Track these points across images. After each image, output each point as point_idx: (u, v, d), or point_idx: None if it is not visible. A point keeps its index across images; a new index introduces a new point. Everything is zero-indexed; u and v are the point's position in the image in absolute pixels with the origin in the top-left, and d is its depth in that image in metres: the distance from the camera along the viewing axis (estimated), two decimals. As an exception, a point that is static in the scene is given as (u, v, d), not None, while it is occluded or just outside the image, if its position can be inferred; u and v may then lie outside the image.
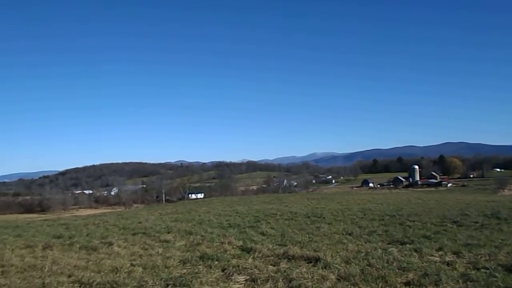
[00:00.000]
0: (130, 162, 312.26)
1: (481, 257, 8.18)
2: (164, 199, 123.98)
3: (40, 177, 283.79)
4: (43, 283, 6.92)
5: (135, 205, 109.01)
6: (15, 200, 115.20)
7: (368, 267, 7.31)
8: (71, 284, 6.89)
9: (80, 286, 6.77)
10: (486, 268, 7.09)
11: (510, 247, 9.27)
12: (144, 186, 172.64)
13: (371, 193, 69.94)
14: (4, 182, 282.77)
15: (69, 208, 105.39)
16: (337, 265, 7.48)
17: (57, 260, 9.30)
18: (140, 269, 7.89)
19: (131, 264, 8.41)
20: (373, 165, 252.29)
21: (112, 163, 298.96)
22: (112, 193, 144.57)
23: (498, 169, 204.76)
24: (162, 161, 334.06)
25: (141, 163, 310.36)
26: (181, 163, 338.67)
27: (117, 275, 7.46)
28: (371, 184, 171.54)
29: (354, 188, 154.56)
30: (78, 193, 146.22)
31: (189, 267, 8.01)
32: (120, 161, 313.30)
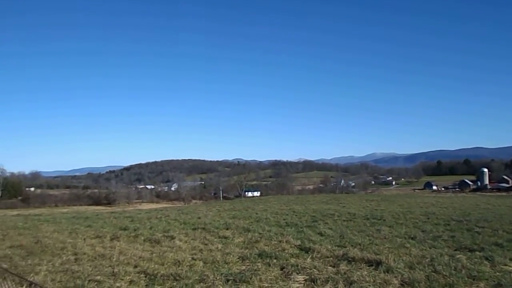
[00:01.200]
0: (189, 159, 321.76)
1: (562, 269, 7.49)
2: (221, 196, 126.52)
3: (106, 172, 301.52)
4: (113, 271, 7.33)
5: (194, 201, 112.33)
6: (84, 192, 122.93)
7: (434, 274, 6.95)
8: (137, 274, 7.23)
9: (145, 277, 7.08)
10: None
11: None
12: (203, 182, 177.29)
13: (434, 196, 66.70)
14: (75, 175, 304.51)
15: (133, 202, 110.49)
16: (400, 270, 7.19)
17: (123, 250, 9.82)
18: (201, 263, 8.11)
19: (192, 258, 8.68)
20: (437, 167, 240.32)
21: (173, 160, 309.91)
22: (172, 188, 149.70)
23: None
24: (220, 159, 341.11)
25: (200, 160, 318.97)
26: (238, 161, 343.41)
27: (179, 268, 7.73)
28: (434, 187, 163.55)
29: (416, 190, 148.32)
30: (141, 188, 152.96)
31: (248, 263, 8.10)
32: (180, 158, 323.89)
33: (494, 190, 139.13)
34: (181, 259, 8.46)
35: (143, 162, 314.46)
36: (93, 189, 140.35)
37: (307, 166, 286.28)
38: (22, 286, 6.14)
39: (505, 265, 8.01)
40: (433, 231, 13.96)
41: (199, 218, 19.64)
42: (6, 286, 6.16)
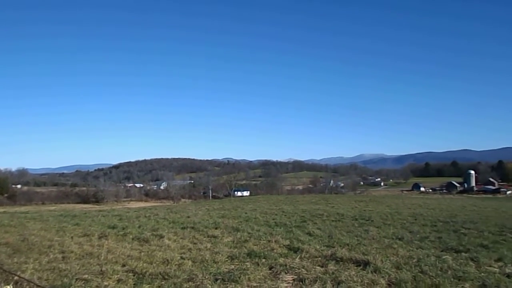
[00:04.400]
0: (179, 158, 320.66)
1: (546, 270, 7.64)
2: (211, 195, 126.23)
3: (95, 170, 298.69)
4: (101, 270, 7.28)
5: (183, 200, 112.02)
6: (72, 190, 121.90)
7: (420, 274, 7.04)
8: (125, 273, 7.19)
9: (134, 276, 7.04)
10: (552, 283, 6.61)
11: None
12: (192, 181, 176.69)
13: (422, 197, 67.47)
14: (63, 173, 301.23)
15: (121, 200, 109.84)
16: (387, 270, 7.26)
17: (112, 249, 9.75)
18: (190, 263, 8.10)
19: (181, 257, 8.66)
20: (425, 168, 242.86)
21: (162, 158, 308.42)
22: (162, 187, 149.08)
23: None
24: (210, 158, 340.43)
25: (189, 159, 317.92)
26: (228, 161, 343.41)
27: (168, 267, 7.71)
28: (422, 188, 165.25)
29: (404, 191, 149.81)
30: (130, 186, 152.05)
31: (236, 263, 8.11)
32: (169, 157, 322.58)
33: (481, 192, 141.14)
34: (169, 258, 8.44)
35: (132, 160, 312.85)
36: (81, 187, 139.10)
37: (297, 166, 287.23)
38: (9, 284, 6.08)
39: (490, 266, 8.15)
40: (420, 232, 14.15)
41: (188, 217, 19.60)
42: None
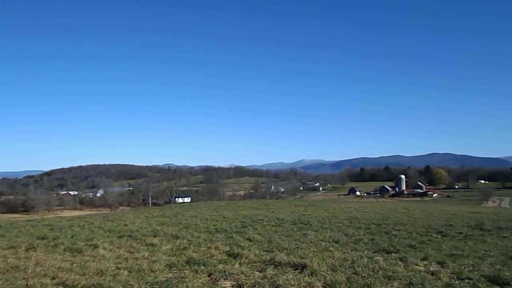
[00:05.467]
0: (117, 164, 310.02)
1: (464, 267, 8.28)
2: (150, 202, 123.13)
3: (24, 177, 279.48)
4: (27, 284, 6.80)
5: (121, 207, 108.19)
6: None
7: (354, 275, 7.34)
8: (55, 286, 6.79)
9: (64, 288, 6.68)
10: (470, 279, 7.18)
11: (493, 258, 9.41)
12: (131, 188, 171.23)
13: (357, 201, 70.39)
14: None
15: (54, 209, 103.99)
16: (323, 273, 7.49)
17: (40, 261, 9.16)
18: (126, 273, 7.81)
19: (117, 267, 8.32)
20: (361, 173, 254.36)
21: (99, 165, 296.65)
22: (98, 194, 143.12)
23: (483, 181, 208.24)
24: (150, 164, 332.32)
25: (128, 165, 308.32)
26: (169, 167, 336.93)
27: (102, 278, 7.38)
28: (358, 193, 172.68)
29: (341, 196, 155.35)
30: (63, 194, 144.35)
31: (175, 271, 7.95)
32: (107, 163, 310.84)
33: (410, 196, 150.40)
34: (104, 269, 8.08)
35: (66, 166, 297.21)
36: (8, 195, 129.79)
37: (239, 172, 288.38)
38: None
39: (416, 265, 8.69)
40: (355, 234, 14.74)
41: (126, 225, 18.89)
42: None
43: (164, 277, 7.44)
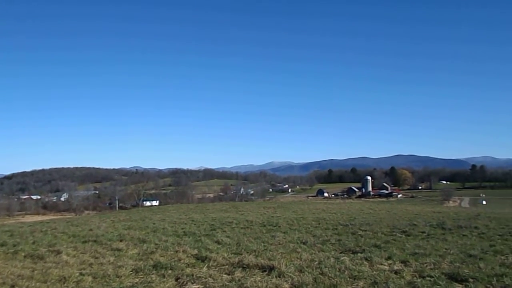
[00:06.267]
0: (82, 167, 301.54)
1: (426, 265, 8.57)
2: (117, 206, 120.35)
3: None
4: (-17, 294, 6.53)
5: (87, 211, 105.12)
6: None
7: (320, 276, 7.45)
8: (14, 295, 6.54)
9: (24, 297, 6.44)
10: (431, 276, 7.43)
11: (453, 256, 9.80)
12: (97, 192, 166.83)
13: (325, 202, 71.39)
14: None
15: (15, 214, 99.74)
16: (291, 274, 7.56)
17: (-1, 269, 8.79)
18: (90, 279, 7.60)
19: (80, 274, 8.09)
20: (328, 175, 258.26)
21: (63, 168, 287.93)
22: (62, 198, 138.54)
23: (445, 182, 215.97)
24: (117, 167, 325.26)
25: (94, 168, 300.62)
26: (137, 169, 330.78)
27: (65, 285, 7.17)
28: (326, 194, 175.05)
29: (310, 197, 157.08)
30: (25, 198, 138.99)
31: (141, 276, 7.81)
32: (71, 166, 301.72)
33: (376, 196, 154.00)
34: (67, 275, 7.83)
35: (28, 170, 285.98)
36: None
37: (208, 174, 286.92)
38: None
39: (381, 264, 8.91)
40: (323, 235, 14.96)
41: (91, 230, 18.42)
42: None
43: (130, 282, 7.30)
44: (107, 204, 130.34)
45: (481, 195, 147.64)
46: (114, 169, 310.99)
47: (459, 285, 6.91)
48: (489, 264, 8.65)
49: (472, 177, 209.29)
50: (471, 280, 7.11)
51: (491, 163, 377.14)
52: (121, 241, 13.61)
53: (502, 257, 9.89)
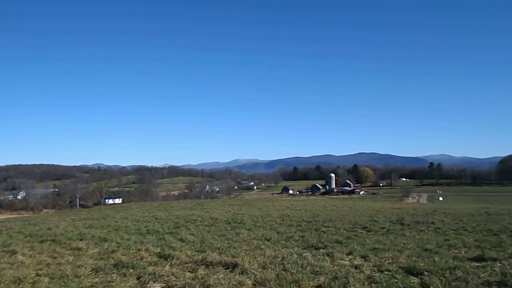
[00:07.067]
0: (41, 164, 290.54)
1: (385, 260, 8.86)
2: (78, 204, 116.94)
3: None
4: None
5: (45, 210, 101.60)
6: None
7: (283, 272, 7.54)
8: (-36, 298, 6.24)
9: (-25, 300, 6.15)
10: (389, 271, 7.68)
11: (411, 251, 10.18)
12: (56, 190, 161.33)
13: (290, 199, 72.08)
14: None
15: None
16: (254, 271, 7.61)
17: None
18: (47, 279, 7.35)
19: (37, 274, 7.81)
20: (293, 172, 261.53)
21: (21, 165, 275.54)
22: (19, 197, 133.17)
23: (404, 179, 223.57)
24: (78, 164, 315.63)
25: (54, 165, 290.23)
26: (99, 167, 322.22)
27: (20, 286, 6.91)
28: (290, 191, 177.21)
29: (275, 194, 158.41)
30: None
31: (101, 275, 7.63)
32: (29, 163, 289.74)
33: (339, 193, 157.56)
34: (22, 276, 7.53)
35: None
36: None
37: (173, 171, 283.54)
38: None
39: (342, 259, 9.13)
40: (287, 232, 15.13)
41: (49, 229, 17.78)
42: None
43: (89, 282, 7.12)
44: (68, 202, 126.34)
45: (438, 191, 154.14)
46: (75, 166, 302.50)
47: (415, 278, 7.17)
48: (443, 258, 9.05)
49: (430, 174, 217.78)
50: (426, 273, 7.40)
51: (447, 161, 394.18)
52: (81, 240, 13.24)
53: (455, 251, 10.39)
